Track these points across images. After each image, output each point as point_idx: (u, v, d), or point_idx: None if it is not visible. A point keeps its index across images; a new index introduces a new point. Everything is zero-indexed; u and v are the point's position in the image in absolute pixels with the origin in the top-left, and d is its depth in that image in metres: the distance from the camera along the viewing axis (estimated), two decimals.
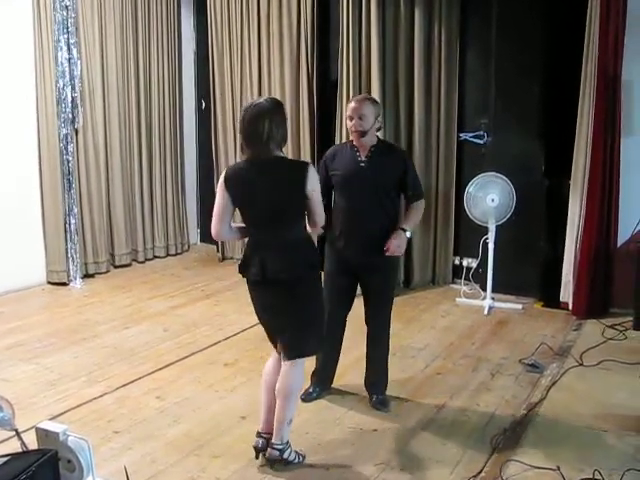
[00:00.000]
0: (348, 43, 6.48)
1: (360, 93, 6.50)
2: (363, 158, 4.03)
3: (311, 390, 4.33)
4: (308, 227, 3.48)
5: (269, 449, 3.48)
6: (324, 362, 4.33)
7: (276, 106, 3.34)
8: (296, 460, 3.52)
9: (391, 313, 4.24)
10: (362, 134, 3.97)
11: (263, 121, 3.22)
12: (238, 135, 3.40)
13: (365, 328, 4.25)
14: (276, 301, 3.39)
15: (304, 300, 3.40)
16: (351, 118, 3.98)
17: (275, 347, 3.56)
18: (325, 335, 3.93)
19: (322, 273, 3.62)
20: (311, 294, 3.45)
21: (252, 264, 3.36)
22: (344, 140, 6.55)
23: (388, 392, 4.35)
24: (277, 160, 3.32)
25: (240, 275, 3.46)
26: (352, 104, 4.03)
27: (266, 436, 3.55)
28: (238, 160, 3.30)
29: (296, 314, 3.40)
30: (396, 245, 3.93)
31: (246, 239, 3.51)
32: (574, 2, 5.78)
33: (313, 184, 3.31)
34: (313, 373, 4.36)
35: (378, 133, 4.16)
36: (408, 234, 4.02)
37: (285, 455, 3.46)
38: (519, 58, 6.30)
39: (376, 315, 4.20)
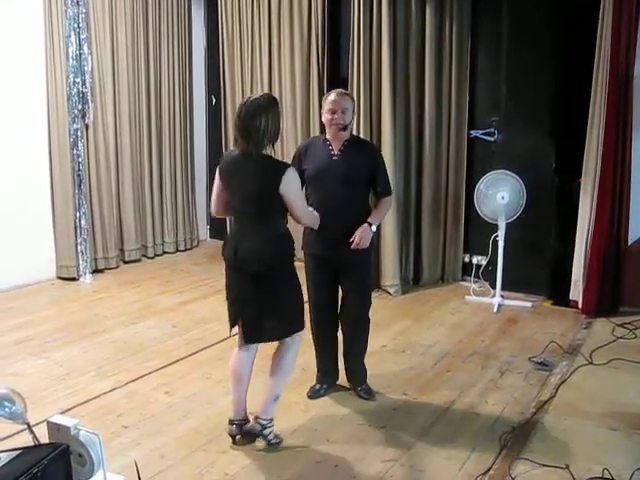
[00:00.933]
0: (359, 40, 6.46)
1: (370, 90, 6.50)
2: (336, 152, 4.05)
3: (317, 387, 4.35)
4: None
5: (252, 423, 3.65)
6: (322, 357, 4.38)
7: (272, 103, 3.45)
8: (274, 441, 3.64)
9: (369, 308, 4.28)
10: (344, 128, 4.00)
11: (260, 117, 3.33)
12: (232, 129, 3.53)
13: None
14: (245, 287, 3.49)
15: (273, 289, 3.48)
16: (332, 111, 3.98)
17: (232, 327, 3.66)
18: (317, 331, 4.30)
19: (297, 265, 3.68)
20: (280, 283, 3.52)
21: (228, 247, 3.55)
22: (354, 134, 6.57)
23: (397, 388, 4.39)
24: (264, 158, 3.42)
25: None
26: (332, 97, 4.02)
27: (239, 422, 3.69)
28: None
29: (266, 301, 3.49)
30: (360, 237, 3.96)
31: None
32: None
33: (288, 186, 3.38)
34: (318, 370, 4.39)
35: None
36: (374, 228, 4.06)
37: (266, 432, 3.62)
38: (530, 55, 6.27)
39: (352, 310, 4.23)
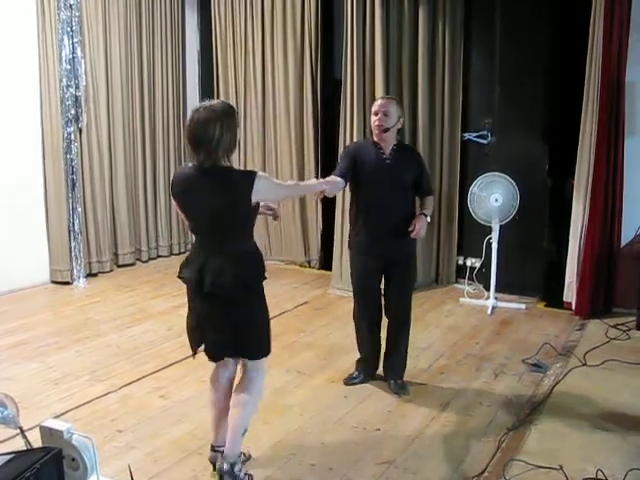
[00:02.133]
0: (352, 43, 6.48)
1: (364, 92, 6.53)
2: (387, 156, 4.20)
3: (355, 375, 4.54)
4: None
5: (220, 462, 3.25)
6: (364, 346, 4.53)
7: (228, 110, 3.14)
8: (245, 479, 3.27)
9: (411, 307, 4.47)
10: (385, 130, 4.12)
11: (214, 125, 3.02)
12: (184, 139, 3.28)
13: None
14: (212, 312, 3.20)
15: (243, 312, 3.20)
16: (376, 113, 4.14)
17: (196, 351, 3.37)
18: (361, 319, 4.46)
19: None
20: (251, 305, 3.25)
21: (190, 271, 3.22)
22: (348, 139, 6.58)
23: (390, 391, 4.39)
24: (222, 169, 3.11)
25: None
26: (379, 101, 4.23)
27: (221, 449, 3.35)
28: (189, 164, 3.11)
29: (235, 325, 3.19)
30: (419, 227, 4.10)
31: None
32: (578, 3, 5.77)
33: (261, 193, 3.13)
34: (359, 360, 4.56)
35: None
36: (428, 219, 4.23)
37: (236, 470, 3.21)
38: (523, 58, 6.29)
39: (397, 309, 4.38)
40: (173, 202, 3.32)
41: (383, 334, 4.50)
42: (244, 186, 3.08)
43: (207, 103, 3.12)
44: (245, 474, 3.27)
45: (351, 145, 4.59)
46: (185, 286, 3.30)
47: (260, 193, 3.11)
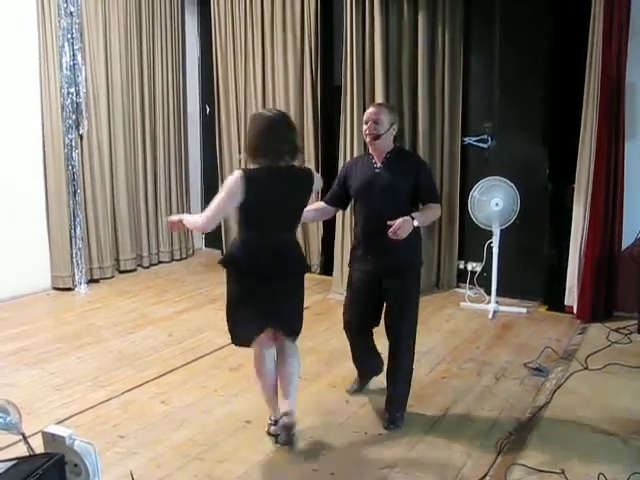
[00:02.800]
0: (352, 48, 6.50)
1: (364, 98, 6.54)
2: (378, 165, 4.03)
3: (349, 386, 4.56)
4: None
5: (290, 418, 3.72)
6: (355, 362, 4.49)
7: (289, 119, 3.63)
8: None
9: (414, 332, 4.12)
10: (375, 137, 3.97)
11: (291, 130, 3.52)
12: (252, 142, 3.46)
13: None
14: (285, 294, 3.66)
15: (301, 291, 3.78)
16: (366, 122, 4.02)
17: (256, 337, 3.70)
18: (350, 338, 4.37)
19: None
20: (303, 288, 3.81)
21: (258, 262, 3.55)
22: (348, 144, 6.59)
23: None
24: (291, 167, 3.55)
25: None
26: (370, 108, 4.09)
27: (280, 418, 3.77)
28: (243, 166, 3.57)
29: (299, 302, 3.77)
30: (397, 226, 3.74)
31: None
32: (578, 5, 5.79)
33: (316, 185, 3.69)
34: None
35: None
36: (415, 223, 3.83)
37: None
38: (523, 62, 6.31)
39: (398, 324, 4.06)
40: (234, 194, 3.41)
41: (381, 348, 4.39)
42: (308, 179, 3.64)
43: (277, 111, 3.71)
44: None
45: (349, 161, 4.38)
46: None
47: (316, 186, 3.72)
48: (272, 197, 3.45)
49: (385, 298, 4.11)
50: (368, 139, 4.03)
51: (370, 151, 4.09)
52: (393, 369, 4.11)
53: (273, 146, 3.44)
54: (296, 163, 3.58)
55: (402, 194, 4.01)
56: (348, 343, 4.38)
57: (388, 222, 3.77)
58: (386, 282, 4.04)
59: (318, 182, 3.72)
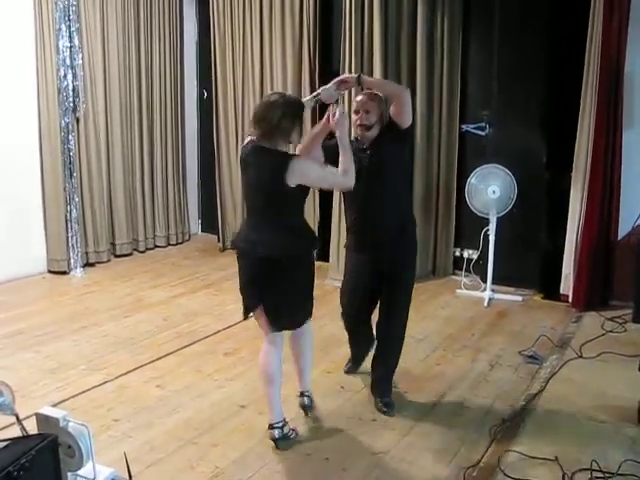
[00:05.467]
0: (350, 35, 6.47)
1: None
2: (367, 145, 3.92)
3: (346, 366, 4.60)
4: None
5: (308, 397, 3.97)
6: (351, 348, 4.54)
7: (297, 104, 3.53)
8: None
9: (404, 323, 4.11)
10: (367, 128, 3.89)
11: (277, 109, 3.37)
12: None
13: None
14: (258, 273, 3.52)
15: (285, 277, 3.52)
16: (357, 112, 3.91)
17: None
18: (347, 325, 4.37)
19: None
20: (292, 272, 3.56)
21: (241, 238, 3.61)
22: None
23: None
24: (274, 151, 3.43)
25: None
26: (359, 97, 3.96)
27: (278, 425, 3.63)
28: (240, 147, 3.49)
29: (281, 289, 3.54)
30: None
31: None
32: None
33: (295, 177, 3.35)
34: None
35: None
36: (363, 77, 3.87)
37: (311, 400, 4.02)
38: (522, 50, 6.29)
39: (387, 315, 4.06)
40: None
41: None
42: (280, 165, 3.35)
43: (286, 93, 3.69)
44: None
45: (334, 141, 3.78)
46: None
47: (292, 177, 3.33)
48: (246, 177, 3.54)
49: (381, 290, 4.06)
50: (359, 131, 3.94)
51: (358, 138, 3.99)
52: (382, 359, 4.14)
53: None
54: (281, 148, 3.46)
55: (393, 171, 3.95)
56: (345, 329, 4.38)
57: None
58: (382, 272, 4.00)
59: (293, 173, 3.35)
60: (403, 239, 4.01)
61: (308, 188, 3.53)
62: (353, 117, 3.95)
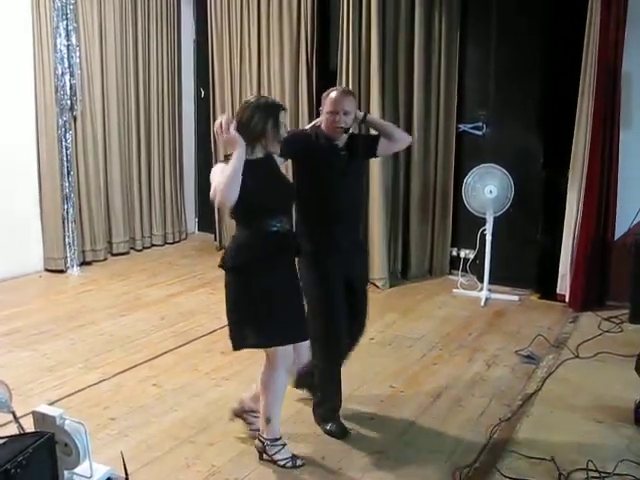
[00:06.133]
0: (348, 34, 6.46)
1: (359, 83, 6.49)
2: (341, 145, 3.68)
3: (331, 428, 3.79)
4: None
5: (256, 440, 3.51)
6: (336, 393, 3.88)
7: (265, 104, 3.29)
8: (282, 462, 3.41)
9: None
10: (346, 131, 3.62)
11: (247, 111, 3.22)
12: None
13: None
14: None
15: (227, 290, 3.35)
16: (335, 112, 3.56)
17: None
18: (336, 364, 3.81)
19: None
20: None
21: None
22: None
23: (384, 380, 4.43)
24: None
25: None
26: (335, 95, 3.61)
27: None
28: None
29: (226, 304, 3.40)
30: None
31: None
32: None
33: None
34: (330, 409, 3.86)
35: None
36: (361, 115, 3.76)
37: (270, 451, 3.42)
38: (519, 50, 6.28)
39: (361, 311, 3.87)
40: None
41: None
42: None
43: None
44: (286, 458, 3.44)
45: (292, 138, 3.52)
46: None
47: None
48: None
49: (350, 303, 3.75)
50: (336, 133, 3.61)
51: (329, 135, 3.65)
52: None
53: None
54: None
55: (362, 173, 3.88)
56: (334, 376, 3.80)
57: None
58: (354, 283, 3.79)
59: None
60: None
61: (248, 196, 3.09)
62: (329, 117, 3.59)
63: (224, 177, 3.04)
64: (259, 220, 3.25)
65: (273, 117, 3.23)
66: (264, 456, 3.45)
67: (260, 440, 3.46)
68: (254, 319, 3.26)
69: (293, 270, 3.45)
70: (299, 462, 3.45)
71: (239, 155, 3.09)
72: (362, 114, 3.79)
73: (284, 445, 3.46)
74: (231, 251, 3.31)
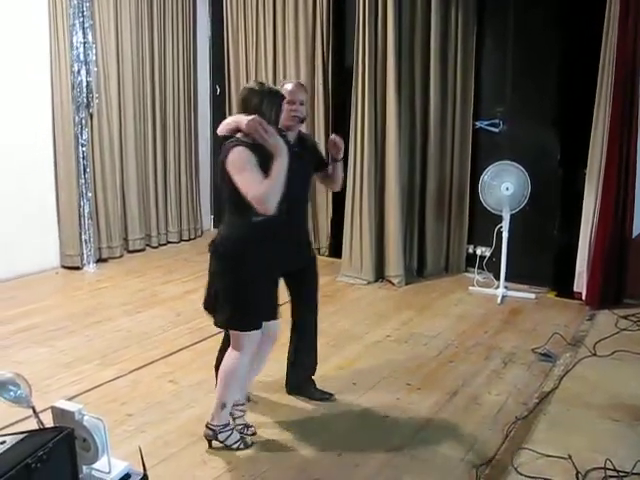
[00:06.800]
0: (364, 32, 6.44)
1: (375, 79, 6.47)
2: (294, 143, 3.69)
3: None
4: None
5: (205, 429, 3.55)
6: None
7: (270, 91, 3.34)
8: (235, 445, 3.52)
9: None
10: (302, 121, 3.74)
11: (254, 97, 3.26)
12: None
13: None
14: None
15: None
16: (292, 102, 3.63)
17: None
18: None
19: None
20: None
21: None
22: (359, 125, 6.54)
23: (400, 378, 4.43)
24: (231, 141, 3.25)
25: None
26: (290, 87, 3.71)
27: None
28: None
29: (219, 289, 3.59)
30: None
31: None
32: None
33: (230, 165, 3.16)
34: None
35: None
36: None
37: (221, 437, 3.50)
38: (536, 46, 6.26)
39: (309, 317, 4.03)
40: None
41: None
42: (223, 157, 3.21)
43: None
44: (237, 440, 3.54)
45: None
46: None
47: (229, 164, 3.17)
48: None
49: (297, 295, 3.98)
50: (294, 122, 3.69)
51: (286, 129, 3.64)
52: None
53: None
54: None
55: (311, 172, 3.92)
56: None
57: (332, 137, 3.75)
58: (298, 279, 3.93)
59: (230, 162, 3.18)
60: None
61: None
62: (286, 107, 3.53)
63: (271, 187, 3.06)
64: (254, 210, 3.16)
65: (277, 105, 3.29)
66: (213, 443, 3.52)
67: (211, 428, 3.50)
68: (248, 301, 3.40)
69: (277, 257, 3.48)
70: (249, 440, 3.57)
71: (285, 163, 3.12)
72: (341, 156, 3.83)
73: (233, 429, 3.54)
74: (226, 240, 3.45)
